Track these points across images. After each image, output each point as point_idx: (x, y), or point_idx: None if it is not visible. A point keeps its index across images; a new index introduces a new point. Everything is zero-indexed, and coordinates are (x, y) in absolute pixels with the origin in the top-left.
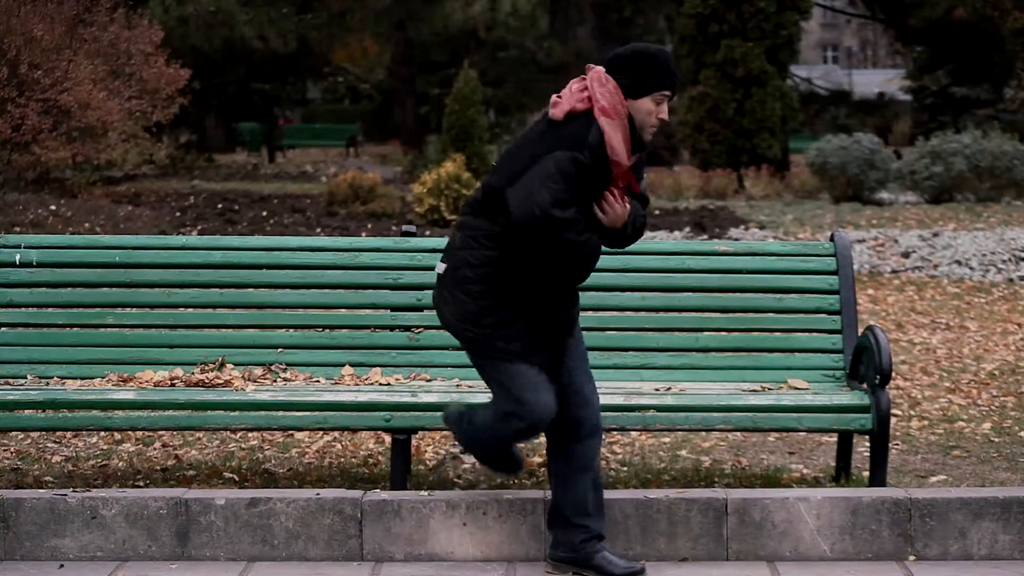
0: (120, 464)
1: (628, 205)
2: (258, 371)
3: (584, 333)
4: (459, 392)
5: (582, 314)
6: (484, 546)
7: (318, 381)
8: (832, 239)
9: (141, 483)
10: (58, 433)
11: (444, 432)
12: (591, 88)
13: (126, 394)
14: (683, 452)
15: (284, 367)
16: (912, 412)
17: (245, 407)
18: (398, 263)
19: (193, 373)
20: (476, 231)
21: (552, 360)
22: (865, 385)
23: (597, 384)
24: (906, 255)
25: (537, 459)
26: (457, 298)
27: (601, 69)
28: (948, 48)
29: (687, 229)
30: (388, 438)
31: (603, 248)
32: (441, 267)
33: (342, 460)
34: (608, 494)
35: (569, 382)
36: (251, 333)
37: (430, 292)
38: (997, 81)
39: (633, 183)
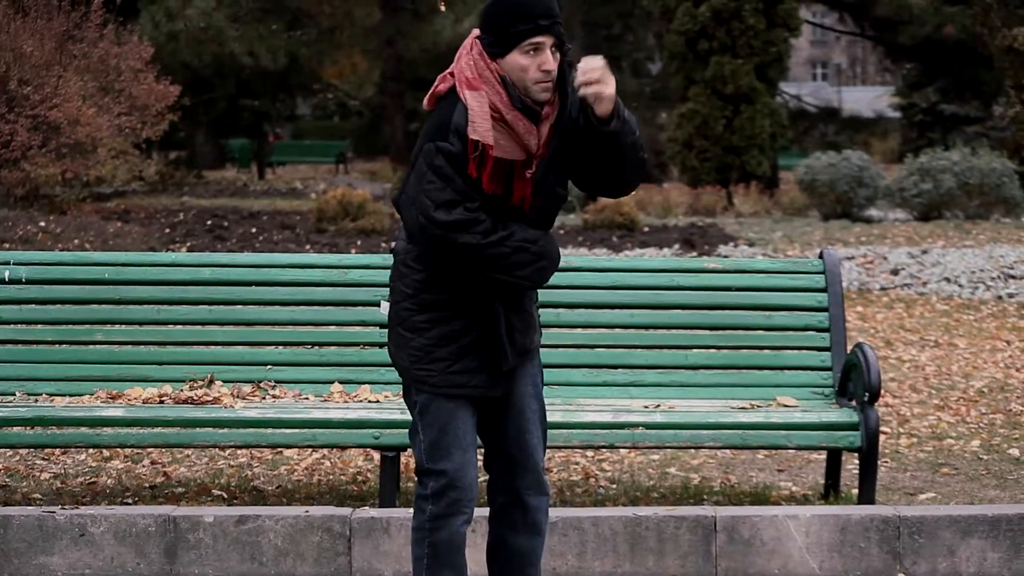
0: (109, 481)
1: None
2: (247, 388)
3: (573, 351)
4: None
5: (571, 332)
6: (473, 563)
7: (307, 398)
8: (821, 256)
9: (130, 500)
10: (46, 450)
11: None
12: (456, 61)
13: (115, 411)
14: (672, 469)
15: (273, 384)
16: (901, 429)
17: (234, 424)
18: (387, 280)
19: (182, 390)
20: (405, 255)
21: (506, 391)
22: (854, 402)
23: (586, 401)
24: (895, 272)
25: None
26: (402, 336)
27: (475, 32)
28: (937, 65)
29: (676, 246)
30: (377, 455)
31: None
32: (385, 307)
33: (331, 477)
34: (597, 511)
35: (510, 430)
36: (240, 350)
37: None
38: (986, 98)
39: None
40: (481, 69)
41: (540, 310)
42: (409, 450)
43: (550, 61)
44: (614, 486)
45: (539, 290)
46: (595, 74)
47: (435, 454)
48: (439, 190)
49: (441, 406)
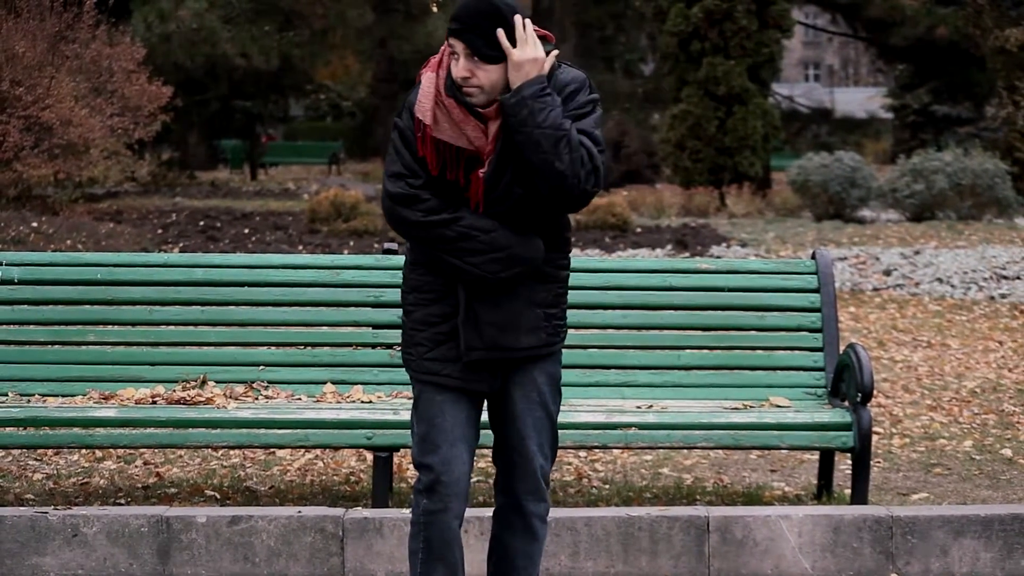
0: (101, 482)
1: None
2: (239, 389)
3: (565, 351)
4: None
5: None
6: (466, 564)
7: (300, 399)
8: (814, 257)
9: (122, 501)
10: (39, 451)
11: None
12: None
13: (107, 412)
14: (665, 470)
15: (266, 384)
16: (894, 430)
17: (226, 425)
18: (380, 281)
19: (174, 391)
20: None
21: (493, 388)
22: (847, 403)
23: (578, 402)
24: (888, 273)
25: None
26: (402, 319)
27: None
28: (930, 66)
29: (669, 247)
30: (370, 456)
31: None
32: None
33: (324, 478)
34: (590, 512)
35: (511, 433)
36: (233, 351)
37: None
38: (978, 99)
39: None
40: (443, 54)
41: None
42: (402, 449)
43: (459, 68)
44: (607, 486)
45: (551, 294)
46: (511, 49)
47: (425, 448)
48: (391, 162)
49: (431, 399)
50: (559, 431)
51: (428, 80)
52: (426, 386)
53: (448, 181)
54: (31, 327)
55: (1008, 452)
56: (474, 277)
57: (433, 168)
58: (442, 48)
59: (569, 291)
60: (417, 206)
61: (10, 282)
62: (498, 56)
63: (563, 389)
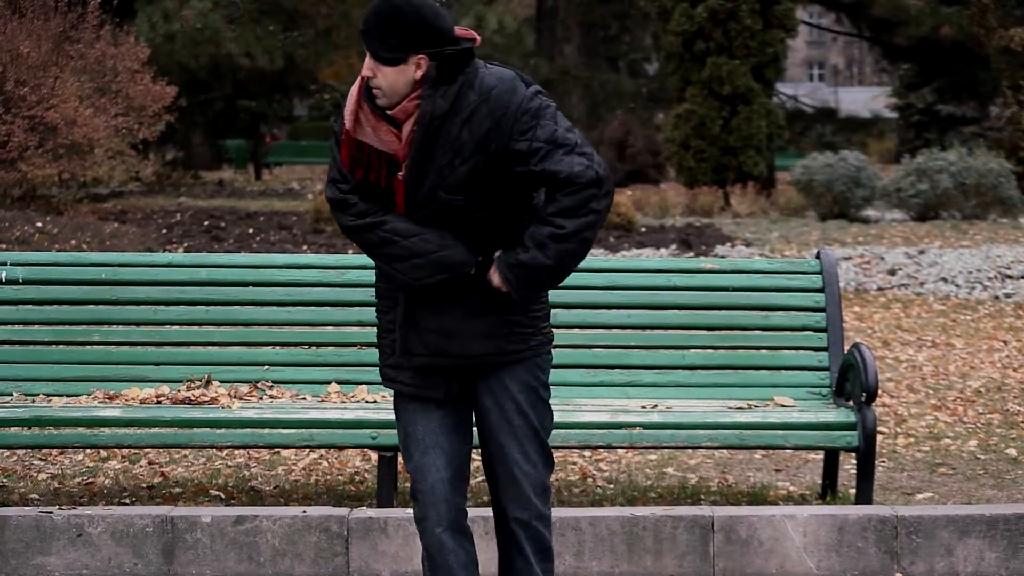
0: (106, 482)
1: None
2: (244, 388)
3: (570, 351)
4: None
5: (567, 332)
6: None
7: (304, 398)
8: (818, 256)
9: (127, 501)
10: (44, 450)
11: None
12: None
13: (112, 411)
14: (669, 469)
15: (270, 384)
16: (898, 429)
17: (231, 424)
18: None
19: (179, 390)
20: None
21: (457, 395)
22: (851, 402)
23: (583, 402)
24: (892, 272)
25: None
26: None
27: None
28: (934, 66)
29: (673, 246)
30: (374, 456)
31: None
32: None
33: (328, 477)
34: (595, 511)
35: (489, 441)
36: (237, 351)
37: None
38: (983, 99)
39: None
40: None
41: None
42: None
43: (364, 67)
44: (611, 486)
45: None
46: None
47: (404, 455)
48: (330, 168)
49: (404, 407)
50: (565, 431)
51: (356, 85)
52: (397, 394)
53: (378, 185)
54: (35, 327)
55: (1013, 452)
56: (401, 283)
57: (346, 167)
58: None
59: (574, 290)
60: (348, 211)
61: (14, 282)
62: (394, 59)
63: (567, 389)
